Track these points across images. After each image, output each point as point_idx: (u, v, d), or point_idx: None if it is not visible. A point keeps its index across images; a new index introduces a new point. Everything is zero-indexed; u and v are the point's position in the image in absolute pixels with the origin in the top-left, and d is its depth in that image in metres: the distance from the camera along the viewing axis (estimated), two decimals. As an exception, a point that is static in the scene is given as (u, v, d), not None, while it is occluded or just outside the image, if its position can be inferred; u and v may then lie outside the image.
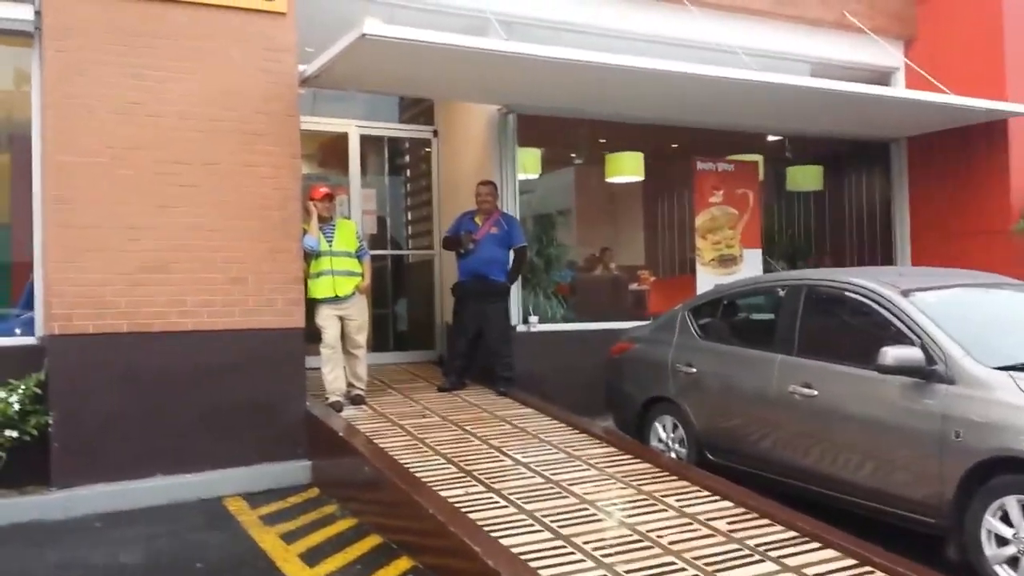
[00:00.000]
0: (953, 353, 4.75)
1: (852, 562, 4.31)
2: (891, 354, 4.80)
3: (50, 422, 6.04)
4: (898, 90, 10.06)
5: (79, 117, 6.27)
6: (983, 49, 9.65)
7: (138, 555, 5.23)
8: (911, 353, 4.82)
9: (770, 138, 11.01)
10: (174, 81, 6.57)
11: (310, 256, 7.15)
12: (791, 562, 4.31)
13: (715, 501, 5.19)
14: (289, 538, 5.44)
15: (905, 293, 5.25)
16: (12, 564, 5.05)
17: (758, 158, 10.52)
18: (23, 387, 5.94)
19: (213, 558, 5.17)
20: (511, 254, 7.99)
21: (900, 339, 4.98)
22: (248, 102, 6.80)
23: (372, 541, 5.33)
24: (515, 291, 8.36)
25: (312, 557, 5.08)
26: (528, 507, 4.98)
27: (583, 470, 5.74)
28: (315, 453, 6.74)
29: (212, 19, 6.69)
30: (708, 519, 4.87)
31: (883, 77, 10.43)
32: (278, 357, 6.80)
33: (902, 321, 5.08)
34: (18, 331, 6.49)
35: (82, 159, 6.26)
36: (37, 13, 6.33)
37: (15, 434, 5.84)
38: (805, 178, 11.44)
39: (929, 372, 4.76)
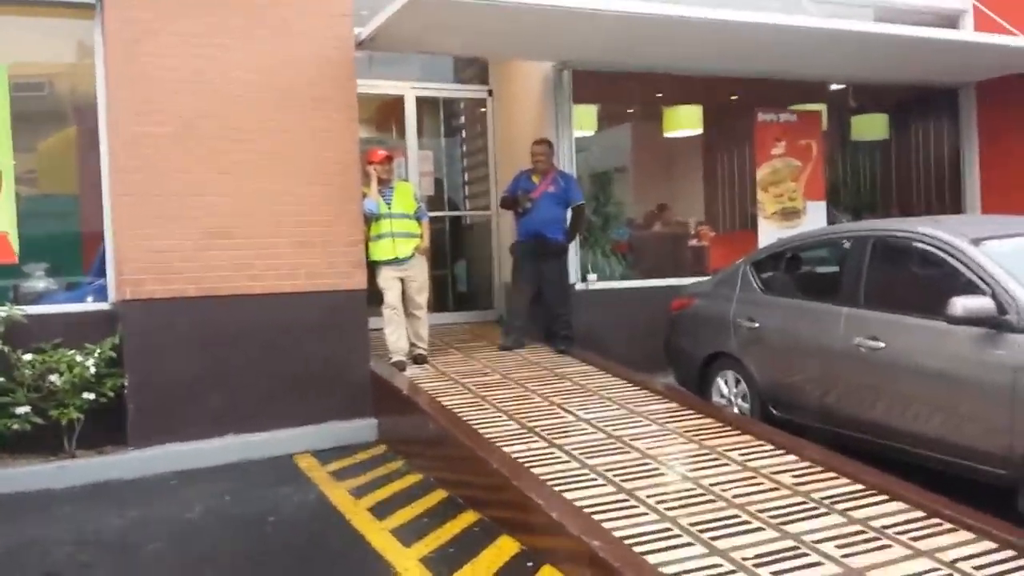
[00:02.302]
0: (1026, 301, 4.62)
1: (920, 514, 4.27)
2: (961, 304, 4.68)
3: (125, 384, 6.24)
4: (965, 33, 9.67)
5: (144, 87, 6.39)
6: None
7: (212, 511, 5.41)
8: (982, 303, 4.69)
9: (833, 87, 10.70)
10: (235, 49, 6.66)
11: (370, 219, 7.22)
12: (858, 515, 4.28)
13: (779, 455, 5.16)
14: (358, 493, 5.57)
15: (975, 242, 5.11)
16: (92, 522, 5.26)
17: (821, 108, 10.25)
18: (99, 351, 6.15)
19: (285, 513, 5.33)
20: (569, 212, 7.96)
21: (970, 289, 4.85)
22: (307, 68, 6.87)
23: (438, 495, 5.43)
24: (573, 249, 8.34)
25: (381, 511, 5.20)
26: (590, 462, 5.02)
27: (645, 425, 5.75)
28: (381, 411, 6.87)
29: (269, -14, 6.73)
30: (772, 473, 4.85)
31: (950, 20, 10.02)
32: (342, 318, 6.92)
33: (972, 270, 4.94)
34: (91, 298, 6.68)
35: (148, 128, 6.39)
36: (99, -16, 6.44)
37: (92, 396, 6.06)
38: (870, 127, 11.13)
39: (1000, 322, 4.64)
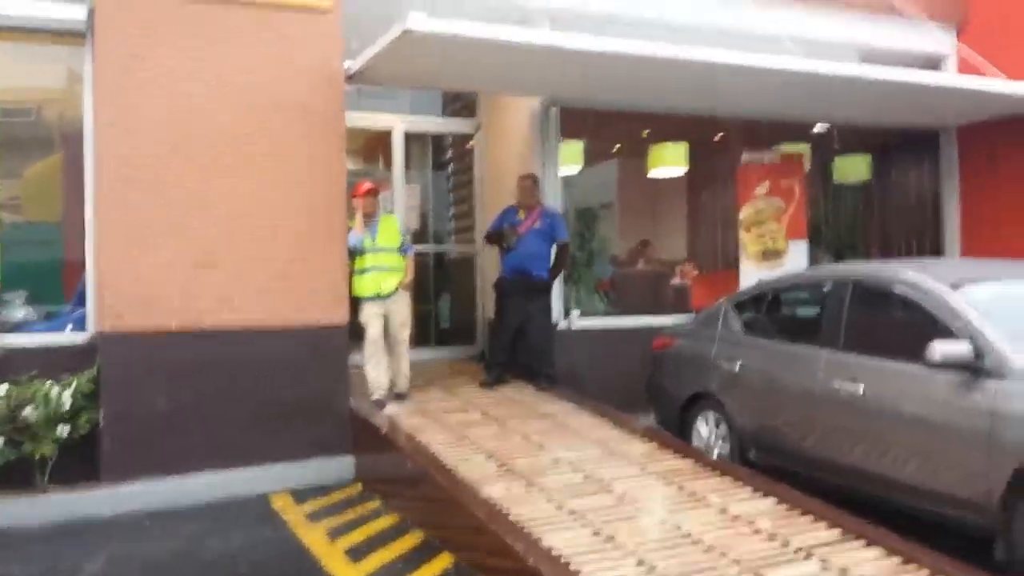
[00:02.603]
0: (1003, 348, 4.64)
1: (898, 560, 4.24)
2: (939, 349, 4.70)
3: (101, 418, 6.17)
4: (948, 76, 9.81)
5: (130, 115, 6.37)
6: (1039, 33, 9.38)
7: (184, 552, 5.33)
8: (960, 348, 4.71)
9: (816, 128, 10.82)
10: (224, 79, 6.65)
11: (354, 253, 7.20)
12: (836, 561, 4.24)
13: (758, 499, 5.12)
14: (334, 534, 5.51)
15: (954, 286, 5.14)
16: (63, 560, 5.18)
17: (804, 148, 10.35)
18: (75, 383, 6.08)
19: (258, 555, 5.26)
20: (554, 249, 7.98)
21: (949, 334, 4.87)
22: (295, 99, 6.86)
23: (414, 538, 5.38)
24: (557, 286, 8.34)
25: (356, 553, 5.14)
26: (569, 504, 4.97)
27: (624, 467, 5.71)
28: (359, 449, 6.81)
29: (259, 17, 6.75)
30: (751, 518, 4.82)
31: (933, 63, 10.15)
32: (323, 354, 6.86)
33: (951, 315, 4.97)
34: (71, 328, 6.62)
35: (133, 158, 6.36)
36: (90, 12, 6.44)
37: (67, 430, 5.97)
38: (853, 168, 11.22)
39: (978, 368, 4.66)
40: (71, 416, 6.01)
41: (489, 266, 9.13)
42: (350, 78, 7.22)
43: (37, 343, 6.38)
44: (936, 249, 10.54)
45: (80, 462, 6.09)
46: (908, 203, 11.16)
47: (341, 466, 6.77)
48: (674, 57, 7.08)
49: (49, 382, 6.03)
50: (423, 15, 6.09)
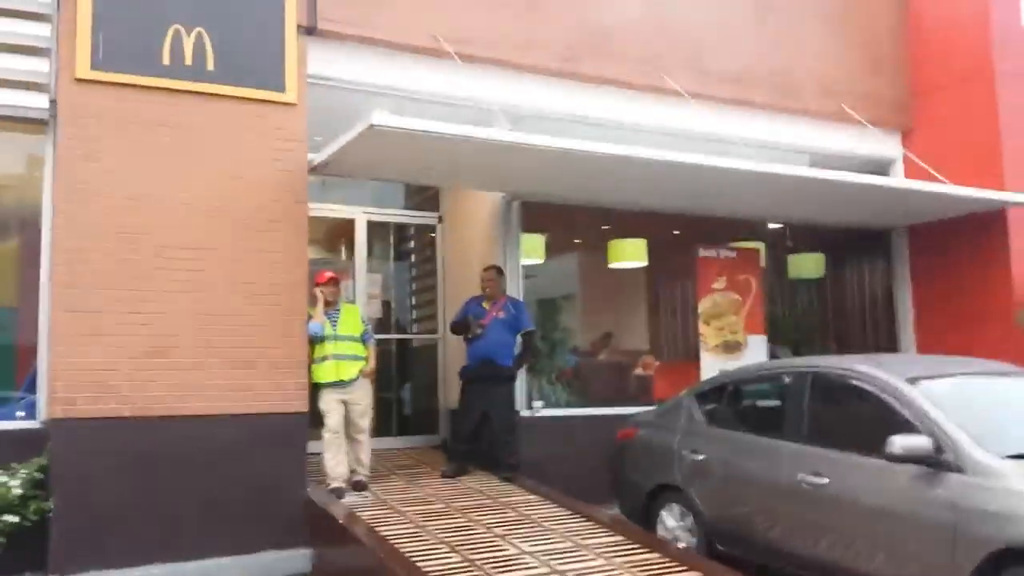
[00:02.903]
0: (961, 442, 4.73)
1: (867, 658, 4.21)
2: (899, 443, 4.78)
3: (50, 508, 5.96)
4: (895, 179, 10.21)
5: (89, 203, 6.37)
6: (980, 140, 9.82)
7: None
8: (919, 442, 4.79)
9: (772, 225, 11.13)
10: (184, 169, 6.69)
11: (314, 341, 7.16)
12: (805, 657, 4.20)
13: (725, 593, 5.08)
14: (288, 630, 5.32)
15: (912, 381, 5.26)
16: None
17: (760, 245, 10.61)
18: (24, 471, 5.91)
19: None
20: (518, 339, 8.02)
21: (908, 427, 4.96)
22: (258, 190, 6.91)
23: (374, 633, 5.21)
24: (520, 376, 8.35)
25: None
26: (534, 598, 4.88)
27: (590, 560, 5.63)
28: (316, 541, 6.63)
29: (224, 110, 6.86)
30: (718, 612, 4.77)
31: (882, 167, 10.59)
32: (281, 442, 6.75)
33: (909, 409, 5.07)
34: (21, 414, 6.46)
35: (90, 244, 6.33)
36: (52, 102, 6.48)
37: (15, 519, 5.76)
38: (807, 266, 11.51)
39: (938, 461, 4.74)
40: (20, 504, 5.80)
41: (452, 355, 9.12)
42: (313, 170, 7.32)
43: (-15, 429, 6.20)
44: (891, 344, 10.77)
45: (27, 552, 5.86)
46: (863, 299, 11.44)
47: (297, 558, 6.58)
48: (630, 156, 7.32)
49: (-3, 469, 5.84)
50: (387, 112, 6.26)
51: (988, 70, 9.88)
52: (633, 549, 5.88)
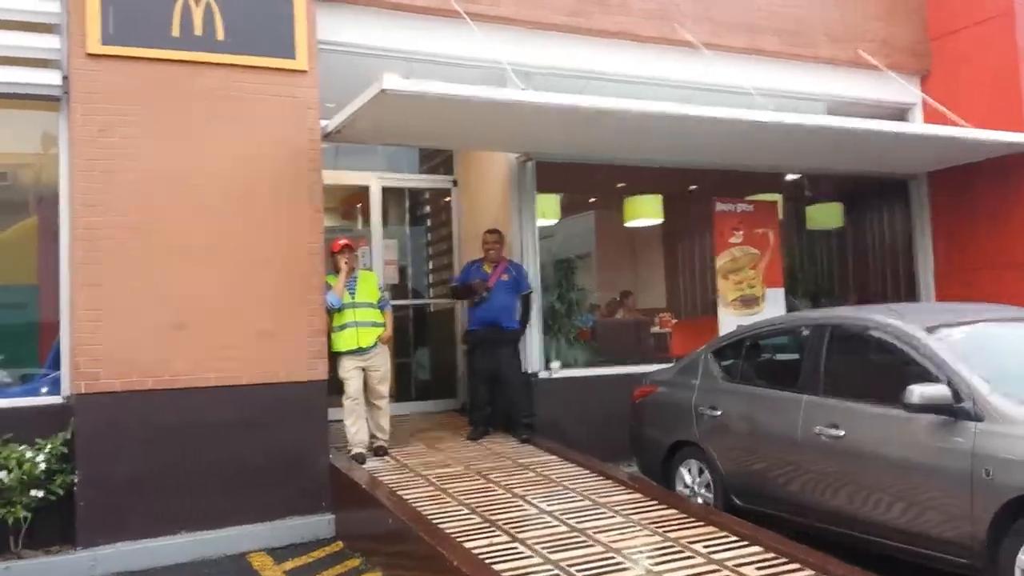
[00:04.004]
0: (980, 389, 4.68)
1: (885, 607, 4.22)
2: (918, 392, 4.73)
3: (76, 481, 6.07)
4: (914, 125, 10.02)
5: (105, 179, 6.38)
6: (1000, 82, 9.60)
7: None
8: (938, 391, 4.74)
9: (789, 177, 10.99)
10: (199, 140, 6.69)
11: (331, 311, 7.19)
12: (822, 608, 4.22)
13: (744, 547, 5.09)
14: (314, 593, 5.41)
15: (930, 330, 5.20)
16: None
17: (777, 197, 10.50)
18: (49, 446, 5.99)
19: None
20: (519, 301, 8.06)
21: (927, 377, 4.91)
22: (272, 159, 6.90)
23: (397, 595, 5.29)
24: (537, 337, 8.37)
25: (336, 613, 5.05)
26: (554, 557, 4.92)
27: (609, 517, 5.67)
28: (339, 506, 6.72)
29: (236, 79, 6.82)
30: (737, 565, 4.78)
31: (900, 113, 10.40)
32: (302, 410, 6.81)
33: (928, 358, 5.01)
34: (45, 390, 6.54)
35: (108, 219, 6.35)
36: (65, 78, 6.48)
37: (41, 494, 5.87)
38: (825, 216, 11.40)
39: (957, 409, 4.69)
40: (45, 479, 5.91)
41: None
42: (327, 136, 7.28)
43: (11, 406, 6.27)
44: (912, 293, 10.66)
45: (55, 525, 5.99)
46: (882, 248, 11.32)
47: (320, 523, 6.67)
48: (645, 111, 7.22)
49: (23, 446, 5.93)
50: (397, 76, 6.19)
51: (1009, 9, 9.62)
52: (651, 506, 5.91)
